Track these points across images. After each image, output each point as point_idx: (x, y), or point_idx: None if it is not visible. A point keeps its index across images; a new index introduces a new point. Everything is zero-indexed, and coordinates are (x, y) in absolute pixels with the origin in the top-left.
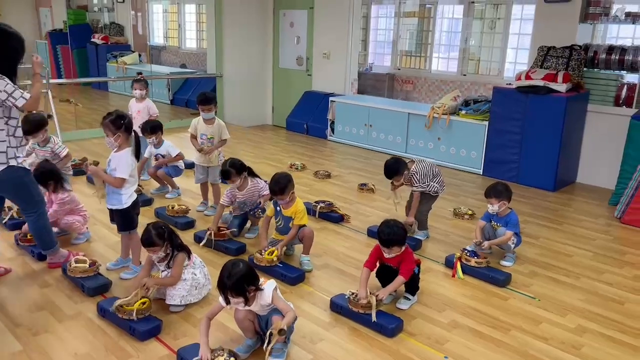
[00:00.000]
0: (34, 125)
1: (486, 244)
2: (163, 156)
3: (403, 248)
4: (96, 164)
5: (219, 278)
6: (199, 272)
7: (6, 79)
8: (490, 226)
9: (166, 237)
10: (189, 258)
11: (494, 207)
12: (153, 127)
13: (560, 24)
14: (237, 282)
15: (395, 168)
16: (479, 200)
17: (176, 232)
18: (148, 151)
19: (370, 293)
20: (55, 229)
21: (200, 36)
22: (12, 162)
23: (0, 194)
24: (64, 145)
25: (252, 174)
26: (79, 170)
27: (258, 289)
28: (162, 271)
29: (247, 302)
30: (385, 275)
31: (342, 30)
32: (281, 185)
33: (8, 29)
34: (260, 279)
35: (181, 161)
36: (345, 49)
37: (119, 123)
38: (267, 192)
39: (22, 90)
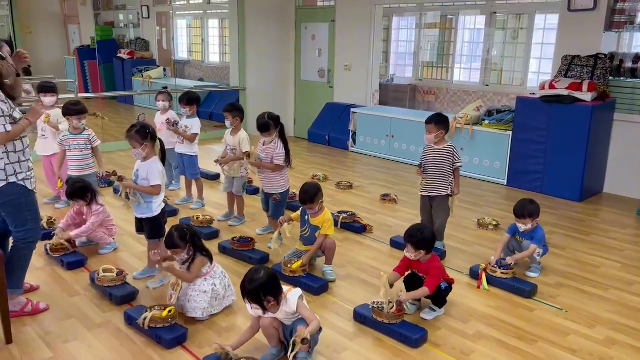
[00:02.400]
0: (72, 111)
1: (510, 259)
2: (175, 124)
3: (429, 257)
4: (120, 179)
5: (242, 281)
6: (219, 283)
7: None
8: (515, 240)
9: (188, 239)
10: (211, 263)
11: (527, 226)
12: (189, 99)
13: (585, 32)
14: (255, 289)
15: (445, 118)
16: (503, 210)
17: (199, 235)
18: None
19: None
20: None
21: (223, 50)
22: (12, 179)
23: None
24: (97, 137)
25: (282, 135)
26: (107, 181)
27: (278, 300)
28: None
29: (264, 310)
30: (413, 282)
31: (364, 43)
32: (311, 195)
33: None
34: (286, 287)
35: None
36: (366, 61)
37: (144, 133)
38: (279, 161)
39: (7, 119)
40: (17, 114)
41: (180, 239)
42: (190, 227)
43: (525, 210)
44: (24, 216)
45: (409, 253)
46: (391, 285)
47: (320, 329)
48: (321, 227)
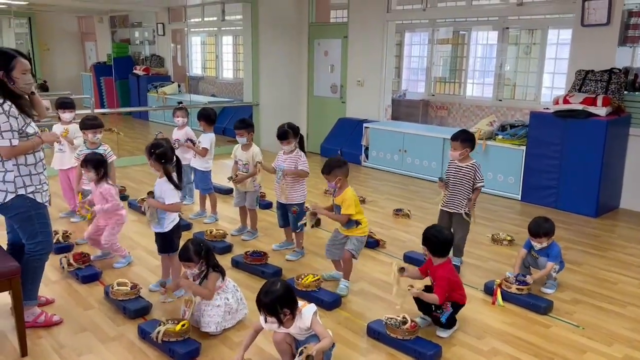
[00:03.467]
0: (88, 125)
1: (529, 279)
2: (192, 142)
3: (441, 261)
4: (143, 200)
5: (257, 294)
6: (232, 297)
7: (10, 117)
8: (531, 255)
9: (202, 255)
10: (223, 279)
11: (542, 244)
12: (199, 115)
13: (599, 47)
14: (271, 302)
15: (471, 136)
16: (517, 226)
17: (213, 251)
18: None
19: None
20: (99, 252)
21: (237, 67)
22: (21, 192)
23: (9, 221)
24: (112, 153)
25: (301, 145)
26: (122, 196)
27: (293, 314)
28: None
29: (280, 323)
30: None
31: (376, 58)
32: (329, 167)
33: None
34: (300, 302)
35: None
36: (378, 76)
37: (150, 151)
38: (305, 167)
39: (14, 134)
40: (30, 129)
41: (195, 254)
42: (205, 243)
43: (541, 229)
44: (35, 229)
45: (424, 251)
46: (402, 270)
47: (333, 344)
48: (341, 205)
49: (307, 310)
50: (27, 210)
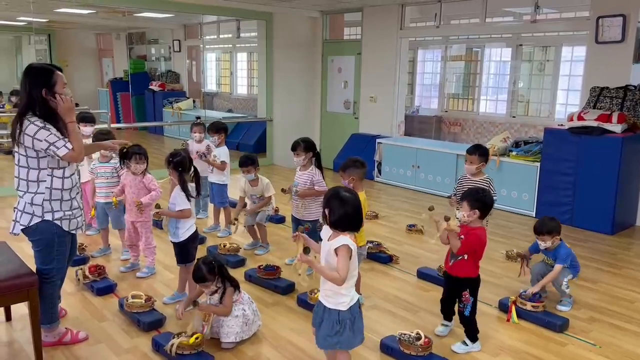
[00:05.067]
0: (100, 139)
1: (536, 287)
2: (205, 155)
3: (477, 221)
4: (157, 206)
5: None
6: (248, 308)
7: (51, 129)
8: (544, 264)
9: (216, 272)
10: (238, 292)
11: (546, 243)
12: (217, 128)
13: (613, 64)
14: (356, 214)
15: (486, 150)
16: (531, 242)
17: (225, 266)
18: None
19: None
20: (131, 256)
21: (251, 83)
22: (48, 217)
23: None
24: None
25: (318, 163)
26: None
27: (333, 226)
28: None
29: (327, 221)
30: (451, 300)
31: (389, 75)
32: (346, 166)
33: (32, 64)
34: (345, 236)
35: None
36: (391, 93)
37: (168, 160)
38: (321, 186)
39: (67, 140)
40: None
41: (209, 273)
42: (215, 258)
43: (545, 227)
44: (52, 256)
45: (463, 211)
46: (432, 209)
47: (336, 280)
48: None
49: (344, 238)
50: (51, 237)
